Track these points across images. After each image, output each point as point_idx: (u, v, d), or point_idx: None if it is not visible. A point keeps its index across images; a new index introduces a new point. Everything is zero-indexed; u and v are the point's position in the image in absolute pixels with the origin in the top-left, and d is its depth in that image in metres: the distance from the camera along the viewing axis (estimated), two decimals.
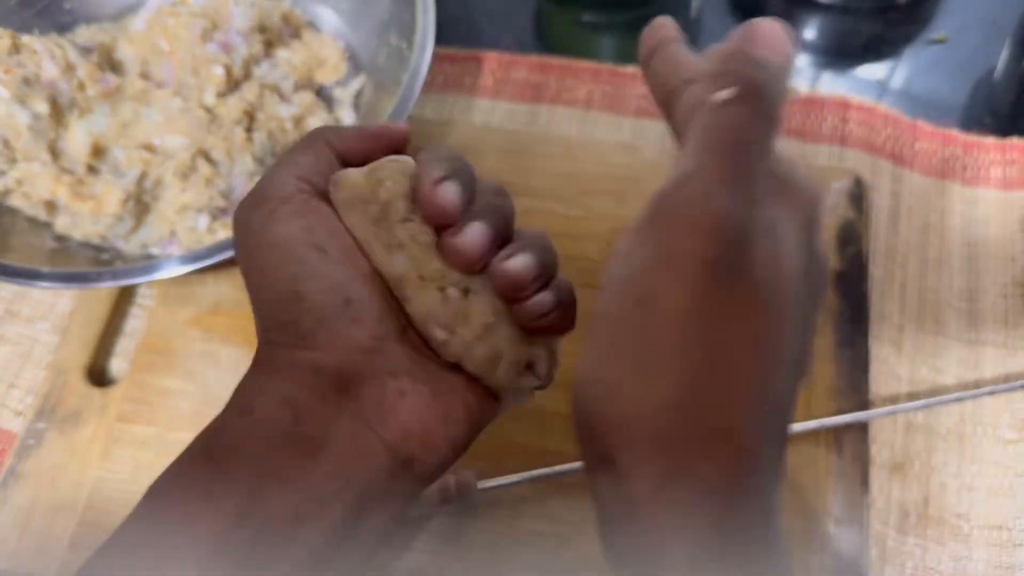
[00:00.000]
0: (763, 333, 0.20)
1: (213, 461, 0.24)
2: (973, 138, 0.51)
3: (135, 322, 0.48)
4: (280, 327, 0.25)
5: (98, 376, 0.46)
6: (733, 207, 0.20)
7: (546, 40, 0.59)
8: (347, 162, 0.29)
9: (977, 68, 0.56)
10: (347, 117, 0.52)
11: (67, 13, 0.54)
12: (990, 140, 0.51)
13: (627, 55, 0.56)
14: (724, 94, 0.21)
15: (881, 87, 0.55)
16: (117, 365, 0.47)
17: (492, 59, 0.56)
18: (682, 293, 0.20)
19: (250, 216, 0.26)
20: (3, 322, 0.48)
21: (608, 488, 0.22)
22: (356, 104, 0.53)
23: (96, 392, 0.45)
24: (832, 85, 0.55)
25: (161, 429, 0.44)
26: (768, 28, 0.23)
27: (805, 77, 0.56)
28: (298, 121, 0.51)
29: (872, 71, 0.56)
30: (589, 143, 0.52)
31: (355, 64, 0.54)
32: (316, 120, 0.51)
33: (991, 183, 0.50)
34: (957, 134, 0.51)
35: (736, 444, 0.20)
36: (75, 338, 0.47)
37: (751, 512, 0.21)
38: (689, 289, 0.20)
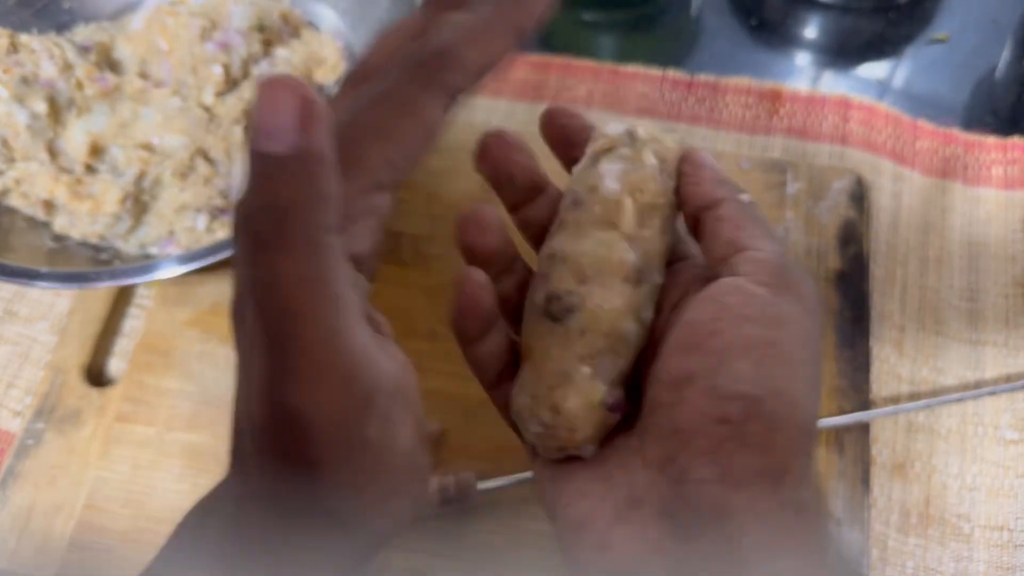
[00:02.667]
0: (813, 332, 0.25)
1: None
2: (974, 137, 0.51)
3: (133, 322, 0.48)
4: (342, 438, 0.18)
5: (97, 376, 0.46)
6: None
7: (546, 39, 0.59)
8: None
9: (978, 67, 0.56)
10: None
11: (65, 12, 0.54)
12: (991, 139, 0.51)
13: (627, 54, 0.56)
14: (745, 197, 0.27)
15: (882, 86, 0.55)
16: (116, 365, 0.47)
17: None
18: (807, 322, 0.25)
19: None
20: (2, 322, 0.48)
21: (767, 498, 0.23)
22: None
23: (95, 392, 0.45)
24: (833, 84, 0.55)
25: (160, 429, 0.44)
26: None
27: (807, 76, 0.56)
28: None
29: (873, 70, 0.56)
30: None
31: (354, 63, 0.54)
32: None
33: (992, 183, 0.50)
34: (958, 133, 0.51)
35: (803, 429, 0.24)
36: (74, 338, 0.47)
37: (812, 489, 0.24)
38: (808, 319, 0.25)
